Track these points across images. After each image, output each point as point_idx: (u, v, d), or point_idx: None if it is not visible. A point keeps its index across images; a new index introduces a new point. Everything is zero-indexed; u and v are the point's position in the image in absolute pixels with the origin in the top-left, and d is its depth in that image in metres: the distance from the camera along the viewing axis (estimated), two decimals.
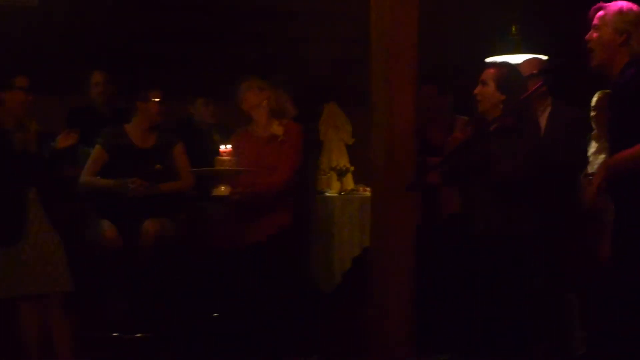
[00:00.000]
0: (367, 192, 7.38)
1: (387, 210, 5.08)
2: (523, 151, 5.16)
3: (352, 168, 8.11)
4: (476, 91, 5.36)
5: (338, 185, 7.90)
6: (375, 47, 5.17)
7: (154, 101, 6.19)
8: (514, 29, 7.17)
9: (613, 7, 4.32)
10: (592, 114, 5.58)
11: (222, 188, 5.65)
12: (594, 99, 5.58)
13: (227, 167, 5.64)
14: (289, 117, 6.22)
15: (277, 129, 5.87)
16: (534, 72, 5.71)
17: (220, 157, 5.65)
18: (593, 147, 5.55)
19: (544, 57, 6.20)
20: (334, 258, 7.39)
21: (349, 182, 8.10)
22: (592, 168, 5.42)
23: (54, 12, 7.62)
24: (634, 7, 4.32)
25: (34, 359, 5.39)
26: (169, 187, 6.22)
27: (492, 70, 5.36)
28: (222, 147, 5.66)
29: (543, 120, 5.73)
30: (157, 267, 6.05)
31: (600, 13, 4.34)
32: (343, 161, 8.35)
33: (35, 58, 7.47)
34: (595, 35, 4.33)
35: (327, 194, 7.77)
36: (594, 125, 5.58)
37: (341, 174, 7.96)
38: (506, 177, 5.16)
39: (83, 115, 6.87)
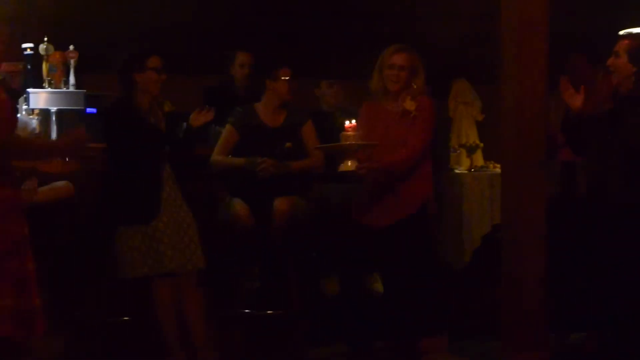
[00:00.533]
0: (497, 169, 7.32)
1: (517, 187, 5.03)
2: None
3: (481, 144, 8.04)
4: (609, 62, 5.33)
5: (468, 162, 7.84)
6: (505, 21, 5.12)
7: (283, 80, 6.22)
8: None
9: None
10: None
11: (349, 163, 5.53)
12: None
13: (352, 142, 5.53)
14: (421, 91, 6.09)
15: (409, 103, 5.68)
16: None
17: (345, 133, 5.55)
18: None
19: None
20: (463, 235, 7.34)
21: (479, 158, 8.03)
22: None
23: None
24: None
25: (171, 336, 5.50)
26: (300, 165, 6.24)
27: (625, 42, 5.33)
28: (347, 123, 5.56)
29: None
30: (289, 244, 6.10)
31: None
32: (472, 137, 8.27)
33: (171, 38, 7.63)
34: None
35: (457, 171, 7.73)
36: None
37: (471, 150, 7.90)
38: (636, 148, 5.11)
39: (217, 94, 6.97)
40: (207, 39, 7.90)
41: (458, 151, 8.07)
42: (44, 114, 6.90)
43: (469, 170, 7.67)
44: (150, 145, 5.50)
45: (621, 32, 6.29)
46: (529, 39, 4.99)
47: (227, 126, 6.25)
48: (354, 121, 5.53)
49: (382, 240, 5.61)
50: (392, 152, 5.57)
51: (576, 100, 5.41)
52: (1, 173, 3.79)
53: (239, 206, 6.10)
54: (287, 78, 6.23)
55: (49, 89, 7.10)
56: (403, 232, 5.56)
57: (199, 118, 5.64)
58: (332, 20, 8.16)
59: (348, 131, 5.53)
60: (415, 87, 5.66)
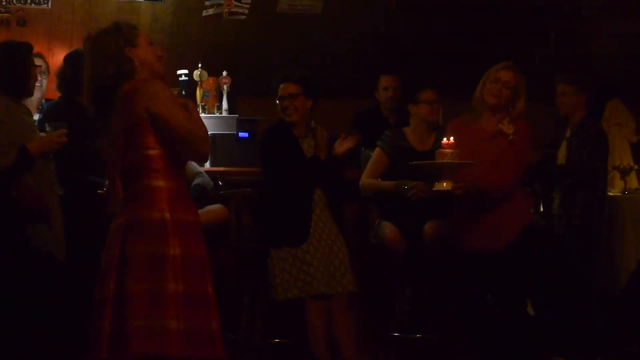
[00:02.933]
0: None
1: None
2: None
3: (636, 167, 7.85)
4: None
5: (621, 185, 7.66)
6: None
7: (424, 103, 6.19)
8: None
9: None
10: None
11: (444, 183, 5.32)
12: None
13: (449, 160, 5.29)
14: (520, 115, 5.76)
15: (507, 126, 5.51)
16: None
17: (442, 150, 5.33)
18: None
19: None
20: (618, 259, 7.17)
21: (633, 181, 7.85)
22: None
23: (337, 17, 7.86)
24: None
25: (323, 358, 5.54)
26: None
27: None
28: (445, 140, 5.37)
29: None
30: (439, 268, 6.07)
31: None
32: (627, 159, 8.08)
33: (324, 63, 7.74)
34: None
35: (611, 194, 7.56)
36: None
37: (625, 172, 7.71)
38: None
39: (368, 118, 7.02)
40: (358, 64, 7.98)
41: (611, 173, 7.89)
42: None
43: (623, 192, 7.49)
44: (304, 172, 5.58)
45: None
46: None
47: (377, 150, 6.27)
48: (452, 138, 5.34)
49: (489, 265, 5.50)
50: (486, 174, 5.40)
51: None
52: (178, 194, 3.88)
53: (389, 229, 6.09)
54: (428, 101, 6.20)
55: (203, 114, 7.28)
56: (507, 258, 5.45)
57: (343, 144, 5.68)
58: (482, 41, 8.14)
59: (445, 148, 5.32)
60: (515, 110, 5.55)
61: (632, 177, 7.84)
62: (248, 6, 7.74)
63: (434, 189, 5.37)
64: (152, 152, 3.79)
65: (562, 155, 6.78)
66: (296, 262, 5.53)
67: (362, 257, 5.97)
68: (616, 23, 8.00)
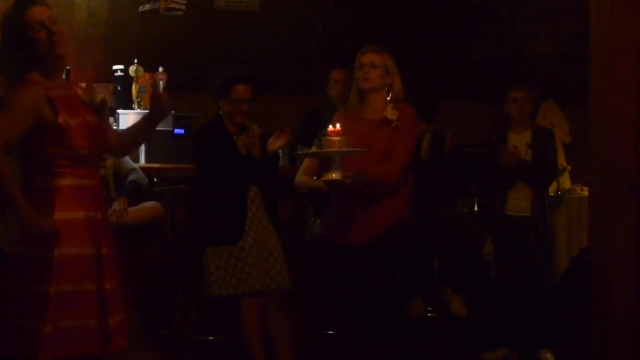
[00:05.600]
0: (585, 192, 7.23)
1: (606, 210, 4.96)
2: None
3: (569, 167, 7.95)
4: None
5: (555, 185, 7.75)
6: (594, 43, 5.07)
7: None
8: None
9: None
10: None
11: (333, 174, 4.99)
12: None
13: (337, 149, 4.98)
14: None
15: (391, 112, 5.27)
16: None
17: (329, 138, 5.01)
18: None
19: None
20: (553, 257, 7.25)
21: (566, 181, 7.94)
22: None
23: (274, 14, 7.85)
24: None
25: (257, 355, 5.54)
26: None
27: None
28: (331, 127, 5.06)
29: None
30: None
31: None
32: (560, 160, 8.17)
33: (264, 59, 7.72)
34: None
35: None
36: None
37: (558, 173, 7.81)
38: None
39: (321, 114, 7.02)
40: (296, 61, 7.97)
41: None
42: None
43: (556, 192, 7.58)
44: (237, 170, 5.57)
45: None
46: (618, 61, 4.91)
47: (313, 147, 6.28)
48: (338, 125, 5.08)
49: (358, 260, 5.25)
50: (374, 163, 5.19)
51: None
52: (73, 193, 3.87)
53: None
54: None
55: (138, 110, 7.24)
56: (379, 252, 5.21)
57: (275, 142, 5.67)
58: (425, 40, 8.19)
59: (332, 136, 5.03)
60: (393, 90, 5.34)
61: (565, 177, 7.93)
62: (185, 2, 7.70)
63: (323, 179, 5.08)
64: (41, 152, 3.82)
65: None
66: (231, 259, 5.51)
67: (298, 255, 5.97)
68: (551, 23, 8.09)
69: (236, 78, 5.69)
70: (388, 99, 5.36)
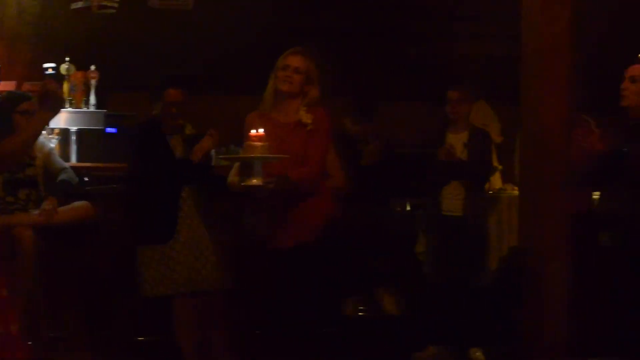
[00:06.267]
0: (515, 191, 7.30)
1: (536, 210, 5.02)
2: None
3: (500, 167, 8.02)
4: (624, 86, 5.27)
5: (486, 184, 7.82)
6: (526, 45, 5.13)
7: None
8: None
9: None
10: None
11: (254, 180, 4.91)
12: None
13: (259, 154, 4.90)
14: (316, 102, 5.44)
15: (305, 115, 5.20)
16: None
17: (250, 143, 4.91)
18: None
19: None
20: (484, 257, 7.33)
21: (497, 181, 8.00)
22: None
23: (208, 13, 7.82)
24: None
25: (191, 356, 5.52)
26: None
27: None
28: (253, 131, 4.94)
29: None
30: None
31: None
32: (492, 160, 8.25)
33: (196, 57, 7.69)
34: None
35: None
36: None
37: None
38: None
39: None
40: (231, 59, 7.94)
41: None
42: (64, 133, 6.95)
43: (487, 192, 7.65)
44: (170, 170, 5.54)
45: None
46: (550, 62, 4.98)
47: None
48: (261, 130, 4.96)
49: (285, 261, 5.18)
50: (293, 167, 5.11)
51: (598, 144, 5.38)
52: None
53: None
54: None
55: (70, 109, 7.17)
56: (306, 253, 5.15)
57: (201, 146, 5.62)
58: (363, 41, 8.21)
59: (254, 141, 4.91)
60: (309, 97, 5.25)
61: (497, 177, 7.99)
62: (118, 0, 7.63)
63: (244, 184, 4.99)
64: None
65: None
66: (163, 259, 5.48)
67: (234, 254, 5.94)
68: (483, 24, 8.17)
69: (167, 81, 5.66)
70: (302, 104, 5.27)
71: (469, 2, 7.63)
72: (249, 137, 4.92)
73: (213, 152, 6.00)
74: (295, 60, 5.26)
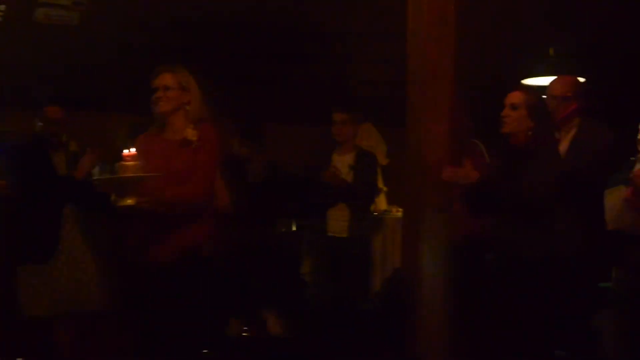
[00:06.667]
0: (400, 213, 7.40)
1: (417, 231, 5.08)
2: (548, 174, 5.17)
3: (385, 189, 8.11)
4: (504, 113, 5.37)
5: (371, 206, 7.90)
6: (411, 68, 5.20)
7: None
8: (551, 51, 7.16)
9: None
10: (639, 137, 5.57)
11: (128, 200, 4.78)
12: None
13: (132, 174, 4.80)
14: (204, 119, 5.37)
15: (191, 132, 5.10)
16: (567, 95, 5.70)
17: (123, 163, 4.79)
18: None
19: (578, 78, 6.12)
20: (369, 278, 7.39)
21: (382, 202, 8.10)
22: None
23: (94, 30, 7.73)
24: None
25: None
26: None
27: (524, 96, 5.36)
28: (126, 151, 4.82)
29: (567, 141, 5.72)
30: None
31: None
32: (377, 181, 8.34)
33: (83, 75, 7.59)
34: None
35: None
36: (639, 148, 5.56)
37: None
38: (533, 200, 5.17)
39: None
40: (118, 76, 7.86)
41: None
42: None
43: (372, 213, 7.73)
44: (51, 188, 5.46)
45: (523, 82, 6.41)
46: (434, 85, 5.05)
47: None
48: (133, 149, 4.85)
49: (165, 281, 5.05)
50: (176, 185, 5.00)
51: (474, 176, 5.46)
52: None
53: None
54: None
55: None
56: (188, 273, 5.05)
57: (79, 169, 5.54)
58: (249, 63, 8.22)
59: (127, 160, 4.79)
60: (191, 112, 5.13)
61: (382, 199, 8.10)
62: (2, 13, 7.47)
63: (118, 204, 4.84)
64: None
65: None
66: (43, 278, 5.39)
67: (117, 274, 5.85)
68: (371, 48, 8.25)
69: (47, 99, 5.60)
70: (187, 118, 5.16)
71: (357, 25, 7.68)
72: (122, 157, 4.79)
73: (97, 169, 5.92)
74: (162, 79, 5.14)
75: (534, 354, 5.19)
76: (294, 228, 7.53)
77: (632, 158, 5.64)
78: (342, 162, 6.83)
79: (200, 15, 7.34)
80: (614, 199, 5.17)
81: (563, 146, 5.69)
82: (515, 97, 5.36)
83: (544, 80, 6.39)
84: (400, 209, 7.53)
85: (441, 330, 5.01)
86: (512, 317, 5.27)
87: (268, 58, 8.32)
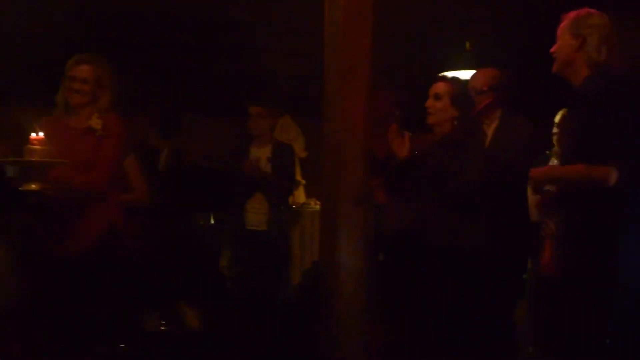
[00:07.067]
0: (318, 206, 7.41)
1: (335, 224, 5.07)
2: (471, 165, 5.21)
3: (303, 182, 8.11)
4: (428, 104, 5.40)
5: (290, 198, 7.89)
6: (327, 61, 5.18)
7: None
8: (467, 44, 7.22)
9: (571, 14, 4.44)
10: (555, 131, 5.64)
11: (32, 184, 4.75)
12: (557, 117, 5.65)
13: (38, 158, 4.74)
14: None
15: (95, 121, 5.11)
16: (484, 89, 5.74)
17: (29, 146, 4.73)
18: (553, 163, 5.60)
19: (498, 71, 6.16)
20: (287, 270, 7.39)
21: (301, 195, 8.10)
22: None
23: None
24: (592, 12, 4.42)
25: None
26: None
27: (447, 86, 5.40)
28: (33, 135, 4.77)
29: (490, 133, 5.77)
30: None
31: (562, 24, 4.45)
32: (296, 174, 8.33)
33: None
34: (557, 43, 4.44)
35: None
36: (555, 143, 5.63)
37: (294, 187, 7.95)
38: (457, 191, 5.20)
39: None
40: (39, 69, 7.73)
41: None
42: None
43: (291, 206, 7.72)
44: None
45: (443, 74, 6.43)
46: (350, 79, 5.03)
47: None
48: (41, 133, 4.82)
49: (71, 272, 5.04)
50: (79, 173, 5.02)
51: (403, 150, 5.49)
52: None
53: None
54: None
55: None
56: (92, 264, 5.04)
57: None
58: (167, 55, 8.14)
59: (34, 144, 4.76)
60: (100, 103, 5.16)
61: (300, 191, 8.09)
62: None
63: (21, 188, 4.80)
64: None
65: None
66: None
67: (25, 266, 5.75)
68: (290, 41, 8.24)
69: None
70: (94, 109, 5.17)
71: (275, 18, 7.67)
72: (29, 141, 4.77)
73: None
74: (82, 72, 5.16)
75: (456, 344, 5.25)
76: (212, 221, 7.48)
77: (547, 152, 5.73)
78: (260, 155, 6.82)
79: (117, 5, 7.27)
80: None
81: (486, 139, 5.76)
82: (438, 87, 5.41)
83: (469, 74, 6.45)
84: (318, 202, 7.53)
85: (358, 323, 5.01)
86: (435, 310, 5.31)
87: (186, 51, 8.26)
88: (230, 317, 6.66)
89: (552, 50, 4.50)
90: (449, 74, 6.43)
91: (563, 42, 4.45)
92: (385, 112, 6.52)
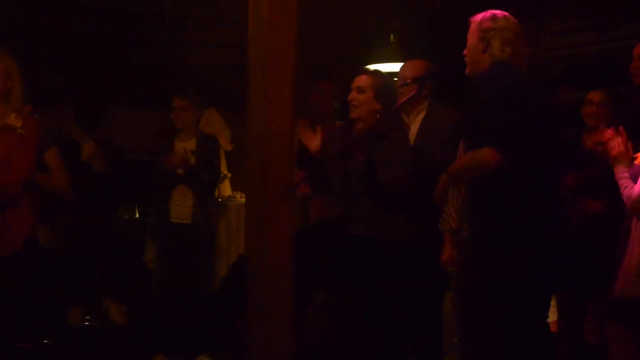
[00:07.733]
0: (244, 199, 7.39)
1: (261, 217, 5.07)
2: (396, 157, 5.23)
3: (229, 175, 8.08)
4: (351, 97, 5.41)
5: (215, 192, 7.86)
6: (251, 53, 5.17)
7: None
8: (392, 37, 7.25)
9: (478, 17, 4.51)
10: None
11: None
12: None
13: None
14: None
15: (15, 120, 4.92)
16: (410, 80, 5.77)
17: None
18: None
19: (427, 62, 6.16)
20: (213, 264, 7.37)
21: (227, 188, 8.08)
22: None
23: None
24: (496, 13, 4.48)
25: None
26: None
27: (370, 78, 5.41)
28: None
29: (416, 124, 5.81)
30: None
31: (471, 26, 4.51)
32: (221, 167, 8.29)
33: None
34: (467, 47, 4.50)
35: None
36: None
37: (220, 180, 7.92)
38: (382, 184, 5.22)
39: None
40: None
41: None
42: None
43: (216, 199, 7.69)
44: None
45: (368, 67, 6.45)
46: (274, 71, 5.03)
47: None
48: None
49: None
50: None
51: (314, 142, 5.50)
52: None
53: None
54: None
55: None
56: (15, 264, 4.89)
57: None
58: (90, 46, 8.05)
59: None
60: (12, 99, 4.97)
61: (226, 185, 8.06)
62: None
63: None
64: None
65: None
66: None
67: None
68: (215, 33, 8.21)
69: None
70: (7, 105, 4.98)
71: (200, 10, 7.63)
72: None
73: None
74: None
75: (381, 335, 5.28)
76: (137, 215, 7.42)
77: None
78: (185, 148, 6.78)
79: None
80: None
81: (413, 129, 5.78)
82: (361, 80, 5.42)
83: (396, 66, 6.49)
84: (244, 195, 7.51)
85: (284, 317, 5.02)
86: (360, 301, 5.33)
87: (110, 42, 8.18)
88: (155, 311, 6.60)
89: (464, 53, 4.57)
90: (372, 66, 6.46)
91: (471, 44, 4.53)
92: (322, 103, 6.54)
